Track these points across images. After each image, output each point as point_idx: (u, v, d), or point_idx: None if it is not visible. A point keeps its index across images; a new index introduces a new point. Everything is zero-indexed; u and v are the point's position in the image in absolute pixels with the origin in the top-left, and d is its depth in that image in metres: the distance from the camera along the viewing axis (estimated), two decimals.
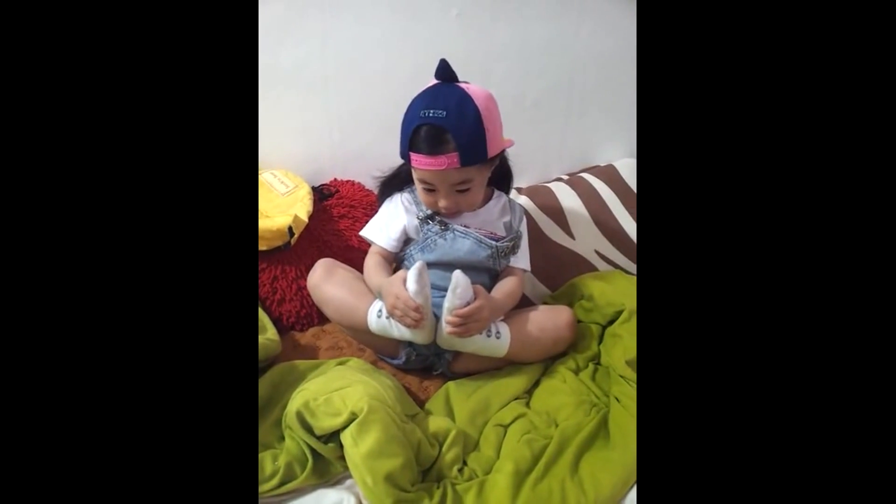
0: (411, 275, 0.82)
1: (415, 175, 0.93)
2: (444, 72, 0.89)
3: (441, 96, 0.87)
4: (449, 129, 0.84)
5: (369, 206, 1.21)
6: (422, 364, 0.98)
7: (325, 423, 0.70)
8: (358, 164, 1.26)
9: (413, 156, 0.88)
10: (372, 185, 1.12)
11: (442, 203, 0.91)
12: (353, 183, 1.28)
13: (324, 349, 1.03)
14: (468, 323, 0.84)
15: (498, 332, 0.90)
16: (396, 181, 1.03)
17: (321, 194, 1.23)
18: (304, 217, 1.10)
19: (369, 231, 1.01)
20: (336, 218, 1.21)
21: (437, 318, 0.88)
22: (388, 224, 1.00)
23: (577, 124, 1.30)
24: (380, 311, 0.91)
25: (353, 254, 1.14)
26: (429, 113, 0.85)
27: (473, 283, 0.97)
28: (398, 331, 0.88)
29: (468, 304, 0.84)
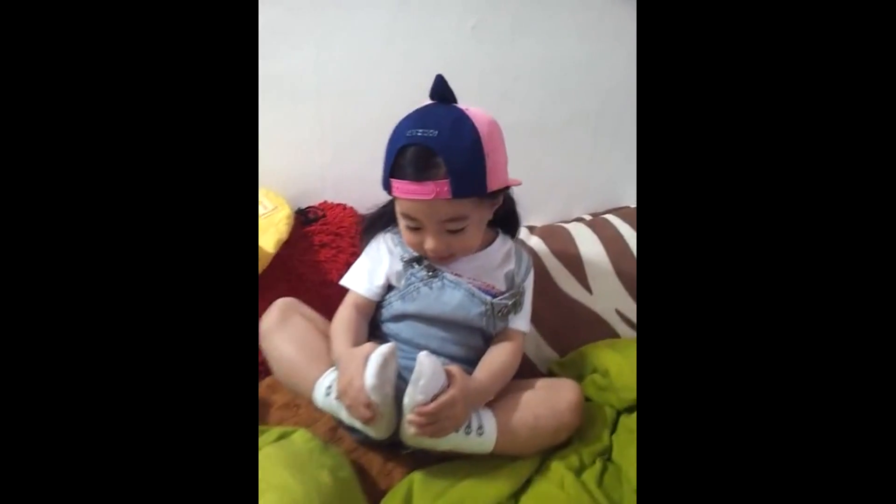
0: (371, 364, 0.66)
1: (398, 209, 0.77)
2: (440, 90, 0.74)
3: (433, 115, 0.72)
4: (439, 151, 0.68)
5: (359, 234, 1.04)
6: (390, 440, 0.79)
7: None
8: (352, 186, 1.13)
9: (395, 183, 0.72)
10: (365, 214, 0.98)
11: (429, 245, 0.75)
12: (343, 207, 1.14)
13: (277, 406, 0.87)
14: (436, 422, 0.67)
15: (480, 427, 0.72)
16: (383, 221, 0.87)
17: (305, 218, 1.10)
18: (271, 248, 0.97)
19: (349, 278, 0.85)
20: (316, 247, 1.06)
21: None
22: (370, 269, 0.84)
23: (604, 158, 1.17)
24: (329, 387, 0.74)
25: (332, 290, 0.97)
26: (417, 132, 0.70)
27: (459, 346, 0.80)
28: (347, 418, 0.71)
29: (436, 396, 0.67)
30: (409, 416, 0.67)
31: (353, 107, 1.11)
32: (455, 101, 0.75)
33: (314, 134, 1.14)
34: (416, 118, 0.72)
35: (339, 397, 0.70)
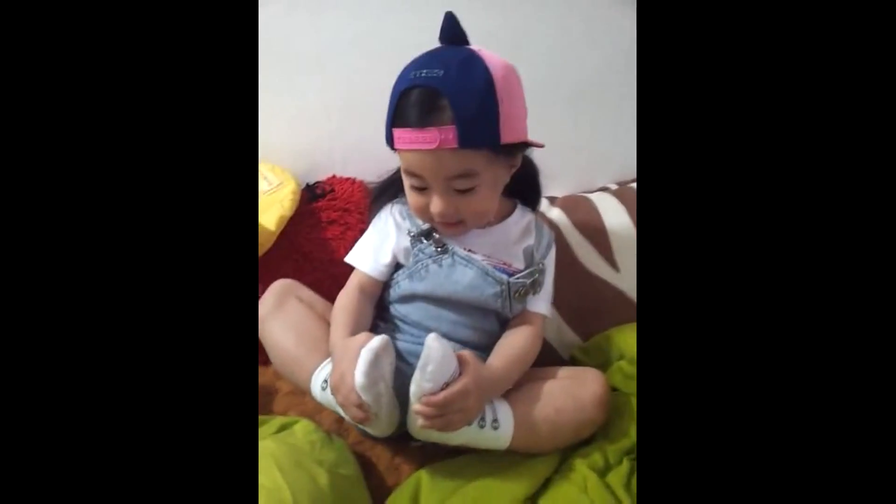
0: (361, 361, 0.59)
1: (402, 167, 0.69)
2: (451, 30, 0.65)
3: (440, 55, 0.64)
4: (445, 92, 0.60)
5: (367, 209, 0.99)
6: (397, 431, 0.73)
7: None
8: (361, 158, 1.04)
9: (397, 133, 0.64)
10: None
11: (435, 207, 0.66)
12: (353, 181, 1.07)
13: (283, 393, 0.82)
14: (446, 414, 0.60)
15: (495, 421, 0.64)
16: (392, 191, 0.79)
17: (312, 194, 1.03)
18: (273, 226, 0.91)
19: (354, 255, 0.78)
20: (324, 223, 1.00)
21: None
22: (376, 245, 0.76)
23: (630, 122, 1.03)
24: (325, 380, 0.68)
25: (340, 269, 0.90)
26: (421, 73, 0.61)
27: (472, 330, 0.72)
28: (346, 414, 0.65)
29: (447, 385, 0.59)
30: (415, 405, 0.60)
31: (358, 73, 1.02)
32: (468, 42, 0.66)
33: (317, 104, 1.07)
34: (423, 59, 0.64)
35: (333, 392, 0.63)
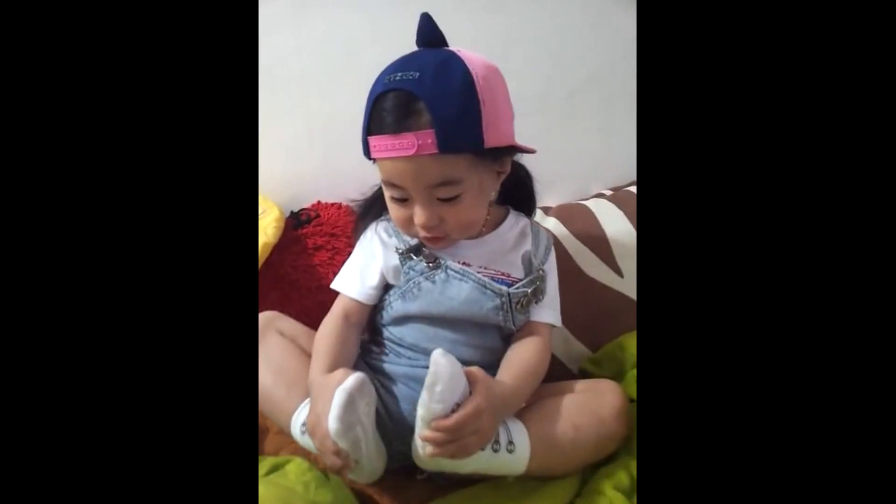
0: (334, 405, 0.54)
1: (381, 178, 0.64)
2: (428, 32, 0.62)
3: (417, 58, 0.60)
4: (421, 95, 0.56)
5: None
6: (401, 461, 0.67)
7: None
8: (346, 183, 0.96)
9: (372, 141, 0.60)
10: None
11: (418, 218, 0.62)
12: (339, 206, 1.04)
13: (273, 432, 0.76)
14: (459, 438, 0.54)
15: (510, 443, 0.59)
16: (377, 207, 0.74)
17: (297, 220, 1.00)
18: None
19: (340, 279, 0.73)
20: (311, 250, 0.97)
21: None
22: (362, 267, 0.71)
23: (621, 125, 1.01)
24: (304, 423, 0.62)
25: (328, 296, 0.86)
26: (396, 76, 0.58)
27: (473, 349, 0.68)
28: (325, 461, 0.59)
29: (457, 406, 0.54)
30: (424, 432, 0.54)
31: (341, 94, 0.95)
32: (446, 44, 0.62)
33: (300, 128, 1.04)
34: (398, 63, 0.60)
35: (310, 436, 0.58)
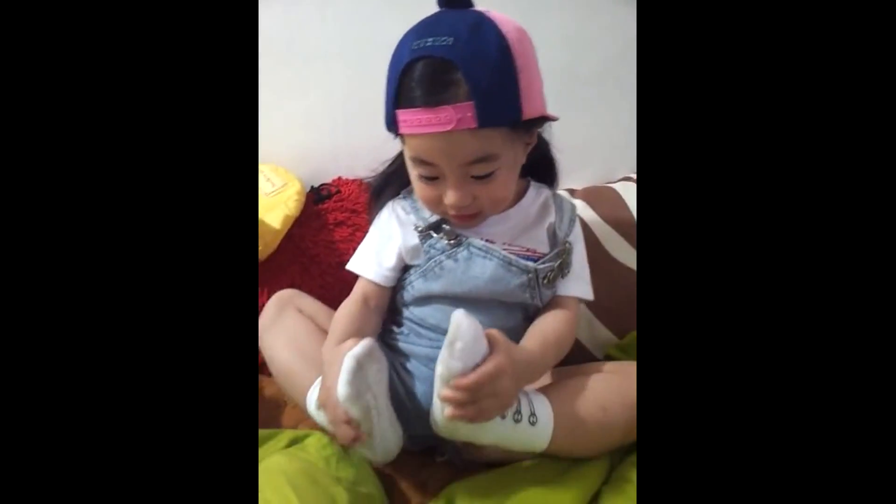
0: (343, 369, 0.52)
1: (407, 155, 0.61)
2: None
3: (445, 20, 0.56)
4: (458, 63, 0.52)
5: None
6: (420, 445, 0.65)
7: None
8: (368, 158, 0.96)
9: (402, 115, 0.56)
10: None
11: (450, 198, 0.59)
12: (360, 182, 1.02)
13: (292, 405, 0.76)
14: (478, 400, 0.51)
15: (532, 415, 0.56)
16: (393, 185, 0.71)
17: (318, 196, 1.00)
18: (278, 224, 0.87)
19: (356, 261, 0.70)
20: (331, 226, 0.96)
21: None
22: (378, 248, 0.69)
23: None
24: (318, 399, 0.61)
25: (349, 273, 0.85)
26: (426, 42, 0.53)
27: (496, 328, 0.65)
28: (336, 435, 0.58)
29: (477, 365, 0.52)
30: (443, 391, 0.52)
31: (364, 68, 0.92)
32: (472, 4, 0.59)
33: (323, 103, 1.02)
34: (423, 27, 0.56)
35: (322, 408, 0.57)
